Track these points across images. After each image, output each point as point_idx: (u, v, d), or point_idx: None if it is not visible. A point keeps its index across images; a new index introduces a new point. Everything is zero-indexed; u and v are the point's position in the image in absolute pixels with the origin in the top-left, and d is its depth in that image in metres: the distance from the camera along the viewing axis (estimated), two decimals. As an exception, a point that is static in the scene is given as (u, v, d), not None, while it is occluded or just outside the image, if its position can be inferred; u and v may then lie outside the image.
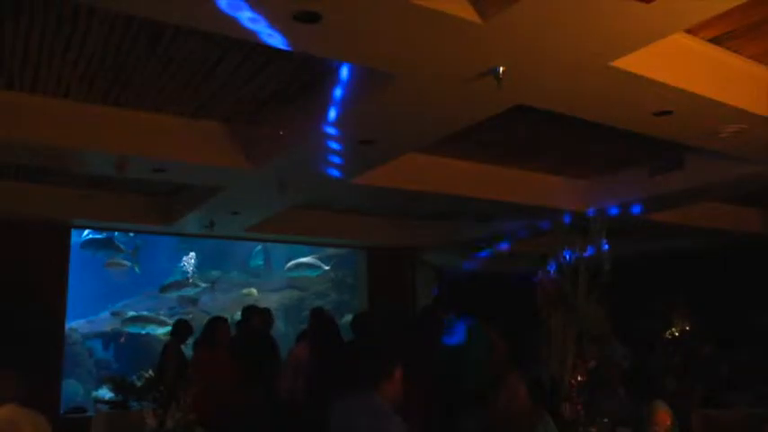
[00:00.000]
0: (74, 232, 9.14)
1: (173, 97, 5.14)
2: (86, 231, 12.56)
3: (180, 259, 16.43)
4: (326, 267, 15.38)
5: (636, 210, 7.70)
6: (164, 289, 14.33)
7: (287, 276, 15.98)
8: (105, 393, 8.62)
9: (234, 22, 3.27)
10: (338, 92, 4.60)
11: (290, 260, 16.28)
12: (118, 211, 8.07)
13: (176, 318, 9.24)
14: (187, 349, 7.63)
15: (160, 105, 5.32)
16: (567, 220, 7.51)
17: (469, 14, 3.24)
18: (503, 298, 9.92)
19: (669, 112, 4.57)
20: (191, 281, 14.45)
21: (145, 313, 14.00)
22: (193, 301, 15.50)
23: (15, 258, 7.74)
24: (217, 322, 6.90)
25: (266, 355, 7.22)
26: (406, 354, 4.53)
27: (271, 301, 14.44)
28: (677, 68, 4.13)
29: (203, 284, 14.63)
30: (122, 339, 13.92)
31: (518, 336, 6.80)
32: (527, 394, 4.08)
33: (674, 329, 8.63)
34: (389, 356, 4.03)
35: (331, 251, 15.22)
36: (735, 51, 4.38)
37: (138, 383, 5.42)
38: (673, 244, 10.36)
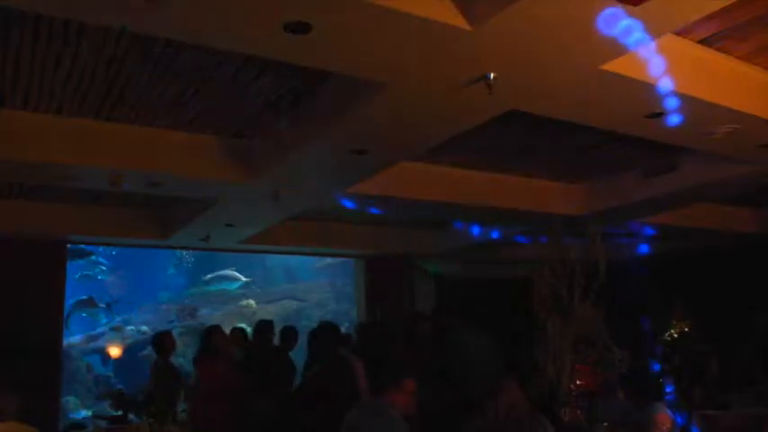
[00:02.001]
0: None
1: (166, 111, 5.14)
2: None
3: (178, 272, 16.44)
4: (246, 279, 15.30)
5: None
6: (73, 308, 14.27)
7: (207, 289, 15.89)
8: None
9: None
10: (330, 102, 4.60)
11: (288, 271, 16.27)
12: (114, 225, 8.06)
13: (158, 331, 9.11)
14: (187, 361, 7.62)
15: (153, 119, 5.32)
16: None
17: (459, 22, 3.24)
18: (501, 304, 9.91)
19: (661, 114, 4.58)
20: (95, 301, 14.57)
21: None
22: (192, 313, 15.50)
23: (11, 274, 7.71)
24: (212, 331, 6.87)
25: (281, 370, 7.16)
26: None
27: (269, 312, 14.43)
28: (668, 70, 4.14)
29: (102, 305, 14.63)
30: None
31: (516, 341, 6.80)
32: (526, 400, 4.09)
33: (672, 331, 8.64)
34: (398, 367, 4.13)
35: (328, 260, 15.21)
36: (725, 52, 4.40)
37: (139, 398, 5.42)
38: (670, 245, 10.37)
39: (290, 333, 7.44)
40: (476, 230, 9.60)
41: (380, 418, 3.98)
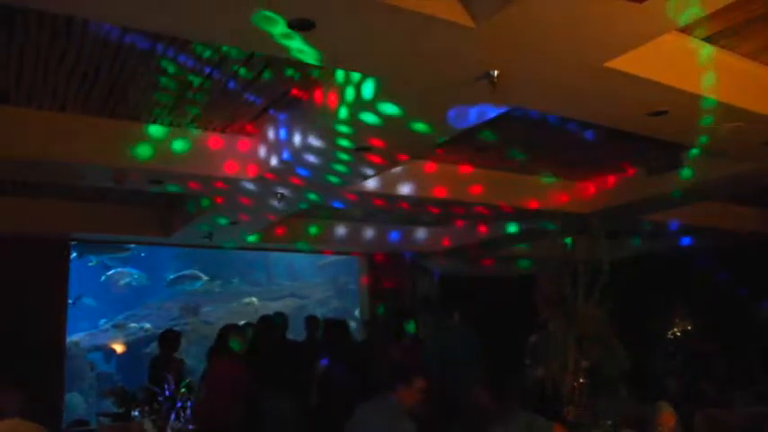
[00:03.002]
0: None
1: (169, 108, 5.14)
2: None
3: (181, 269, 16.45)
4: (206, 278, 15.36)
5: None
6: None
7: (174, 288, 15.93)
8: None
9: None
10: (334, 99, 4.60)
11: (290, 267, 16.27)
12: (117, 223, 8.07)
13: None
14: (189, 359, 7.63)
15: (157, 116, 5.32)
16: None
17: (462, 18, 3.23)
18: (503, 302, 9.93)
19: (665, 112, 4.57)
20: None
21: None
22: (194, 311, 15.52)
23: (14, 272, 7.72)
24: (229, 330, 6.87)
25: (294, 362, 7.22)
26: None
27: (271, 309, 14.44)
28: (672, 68, 4.13)
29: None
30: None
31: (519, 339, 6.81)
32: (491, 398, 4.15)
33: (675, 329, 8.63)
34: (408, 366, 4.23)
35: (330, 258, 15.22)
36: (730, 50, 4.38)
37: (140, 396, 5.43)
38: (672, 243, 10.35)
39: (311, 322, 7.51)
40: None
41: (388, 416, 4.03)
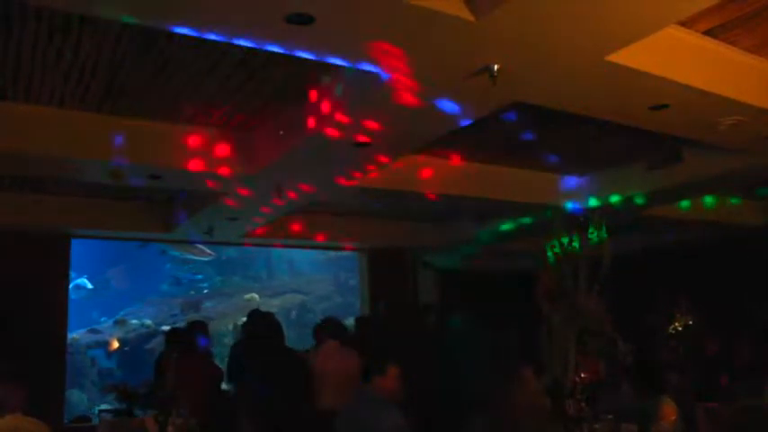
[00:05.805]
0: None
1: (167, 104, 5.13)
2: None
3: (180, 266, 16.45)
4: (91, 287, 15.34)
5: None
6: None
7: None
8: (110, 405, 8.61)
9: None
10: (333, 94, 4.59)
11: (290, 264, 16.25)
12: (117, 219, 8.06)
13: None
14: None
15: (155, 112, 5.31)
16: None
17: (463, 13, 3.23)
18: (504, 296, 9.90)
19: (665, 106, 4.55)
20: None
21: None
22: (196, 307, 15.53)
23: (15, 268, 7.72)
24: (195, 327, 6.90)
25: None
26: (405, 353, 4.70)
27: (272, 305, 14.46)
28: (673, 62, 4.12)
29: None
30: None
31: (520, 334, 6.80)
32: (541, 392, 4.15)
33: (676, 324, 8.62)
34: (381, 355, 4.24)
35: (332, 254, 15.22)
36: (730, 43, 4.37)
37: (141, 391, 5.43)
38: (674, 238, 10.34)
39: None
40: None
41: (375, 408, 4.06)
